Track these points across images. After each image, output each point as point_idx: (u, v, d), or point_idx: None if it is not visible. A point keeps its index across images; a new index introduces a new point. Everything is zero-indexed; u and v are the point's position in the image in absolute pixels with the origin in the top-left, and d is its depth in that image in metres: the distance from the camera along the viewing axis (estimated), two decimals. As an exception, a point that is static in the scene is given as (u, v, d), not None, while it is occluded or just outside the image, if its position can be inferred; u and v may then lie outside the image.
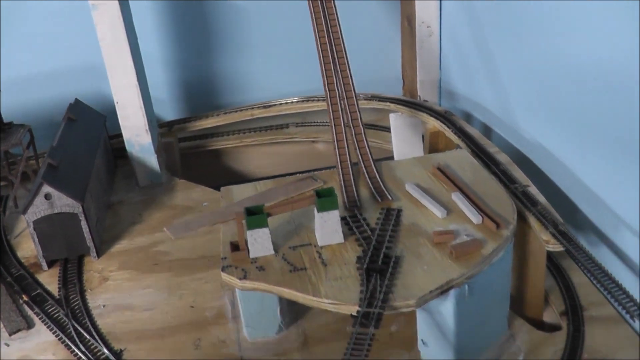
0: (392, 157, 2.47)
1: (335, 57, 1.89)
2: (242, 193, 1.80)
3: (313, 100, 2.53)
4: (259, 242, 1.47)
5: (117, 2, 2.06)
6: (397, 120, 2.37)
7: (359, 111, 1.85)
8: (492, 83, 2.24)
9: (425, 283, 1.36)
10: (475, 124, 2.38)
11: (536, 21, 1.92)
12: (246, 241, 1.49)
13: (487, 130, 2.30)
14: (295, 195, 1.74)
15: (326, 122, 2.70)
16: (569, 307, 1.67)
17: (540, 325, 1.67)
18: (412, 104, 2.37)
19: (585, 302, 1.68)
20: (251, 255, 1.49)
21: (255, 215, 1.45)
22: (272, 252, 1.49)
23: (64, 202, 1.88)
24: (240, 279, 1.44)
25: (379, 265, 1.39)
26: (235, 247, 1.51)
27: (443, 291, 1.36)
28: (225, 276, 1.47)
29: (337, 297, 1.35)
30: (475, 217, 1.54)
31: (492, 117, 2.28)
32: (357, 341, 1.20)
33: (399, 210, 1.61)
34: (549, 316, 1.70)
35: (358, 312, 1.28)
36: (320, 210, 1.48)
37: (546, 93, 1.93)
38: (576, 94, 1.78)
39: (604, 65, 1.64)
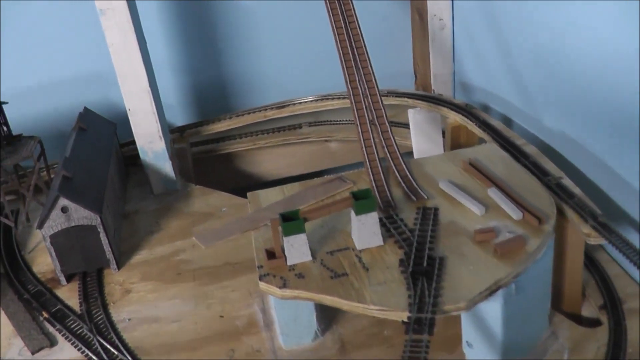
0: (410, 153, 2.42)
1: (356, 53, 1.84)
2: (269, 197, 1.75)
3: (328, 99, 2.48)
4: (296, 249, 1.43)
5: (126, 5, 2.01)
6: (416, 116, 2.32)
7: (384, 108, 1.80)
8: (509, 73, 2.20)
9: (473, 284, 1.32)
10: (494, 115, 2.34)
11: (554, 6, 1.88)
12: (282, 248, 1.44)
13: (507, 122, 2.26)
14: (325, 198, 1.69)
15: (339, 121, 2.66)
16: (607, 301, 1.64)
17: (578, 320, 1.63)
18: (431, 99, 2.32)
19: (623, 294, 1.65)
20: (288, 263, 1.44)
21: (292, 221, 1.40)
22: (310, 258, 1.45)
23: (81, 215, 1.83)
24: (280, 287, 1.39)
25: (424, 268, 1.35)
26: (271, 254, 1.46)
27: (491, 292, 1.32)
28: (263, 285, 1.42)
29: (384, 303, 1.30)
30: (515, 213, 1.50)
31: (511, 108, 2.24)
32: (413, 349, 1.16)
33: (436, 209, 1.57)
34: (587, 310, 1.66)
35: (409, 318, 1.23)
36: (358, 213, 1.43)
37: (568, 80, 1.89)
38: (600, 80, 1.74)
39: (628, 51, 1.61)
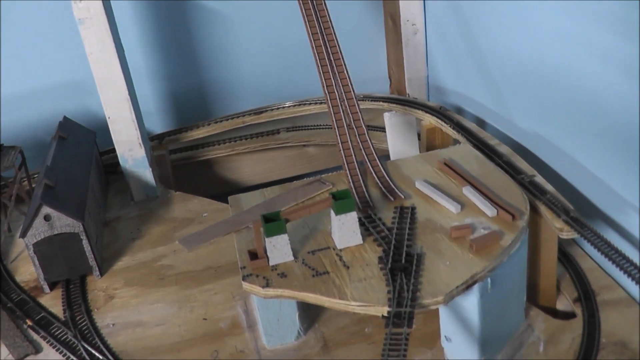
0: (387, 156, 2.46)
1: (332, 59, 1.88)
2: (250, 201, 1.78)
3: (306, 104, 2.52)
4: (278, 249, 1.46)
5: (104, 15, 2.03)
6: (391, 119, 2.37)
7: (360, 112, 1.84)
8: (482, 75, 2.25)
9: (450, 279, 1.36)
10: (467, 117, 2.39)
11: (523, 11, 1.93)
12: (265, 249, 1.47)
13: (480, 123, 2.31)
14: (306, 200, 1.73)
15: (317, 126, 2.69)
16: (581, 293, 1.69)
17: (554, 313, 1.68)
18: (406, 102, 2.37)
19: (596, 286, 1.70)
20: (271, 263, 1.47)
21: (273, 222, 1.44)
22: (292, 258, 1.48)
23: (64, 223, 1.84)
24: (263, 287, 1.42)
25: (402, 264, 1.39)
26: (253, 255, 1.49)
27: (468, 286, 1.36)
28: (246, 285, 1.44)
29: (365, 299, 1.34)
30: (489, 210, 1.55)
31: (484, 109, 2.29)
32: (393, 342, 1.19)
33: (413, 208, 1.61)
34: (562, 304, 1.71)
35: (389, 312, 1.27)
36: (337, 212, 1.47)
37: (539, 81, 1.94)
38: (569, 80, 1.79)
39: (595, 52, 1.66)
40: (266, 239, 1.45)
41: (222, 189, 2.69)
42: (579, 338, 1.55)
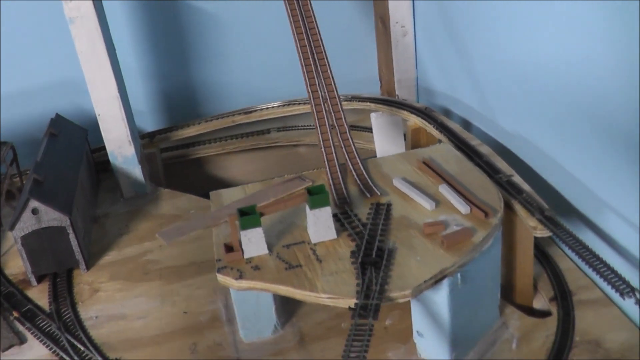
0: (375, 157, 2.48)
1: (316, 58, 1.91)
2: (231, 196, 1.81)
3: (294, 104, 2.55)
4: (253, 242, 1.48)
5: (95, 14, 2.06)
6: (378, 119, 2.39)
7: (343, 111, 1.87)
8: (468, 78, 2.27)
9: (419, 273, 1.38)
10: (455, 119, 2.41)
11: (508, 15, 1.95)
12: (240, 242, 1.49)
13: (466, 125, 2.33)
14: (285, 195, 1.75)
15: (307, 126, 2.72)
16: (557, 293, 1.70)
17: (530, 312, 1.69)
18: (392, 103, 2.39)
19: (574, 286, 1.71)
20: (246, 256, 1.50)
21: (248, 216, 1.46)
22: (267, 251, 1.51)
23: (51, 216, 1.87)
24: (236, 279, 1.44)
25: (373, 258, 1.41)
26: (229, 248, 1.51)
27: (437, 280, 1.38)
28: (220, 277, 1.47)
29: (334, 292, 1.36)
30: (463, 207, 1.57)
31: (470, 111, 2.31)
32: (357, 332, 1.22)
33: (389, 205, 1.63)
34: (539, 303, 1.72)
35: (356, 304, 1.29)
36: (312, 207, 1.49)
37: (522, 84, 1.96)
38: (550, 83, 1.81)
39: (575, 56, 1.68)
40: (241, 232, 1.48)
41: (212, 188, 2.67)
42: (553, 336, 1.56)
